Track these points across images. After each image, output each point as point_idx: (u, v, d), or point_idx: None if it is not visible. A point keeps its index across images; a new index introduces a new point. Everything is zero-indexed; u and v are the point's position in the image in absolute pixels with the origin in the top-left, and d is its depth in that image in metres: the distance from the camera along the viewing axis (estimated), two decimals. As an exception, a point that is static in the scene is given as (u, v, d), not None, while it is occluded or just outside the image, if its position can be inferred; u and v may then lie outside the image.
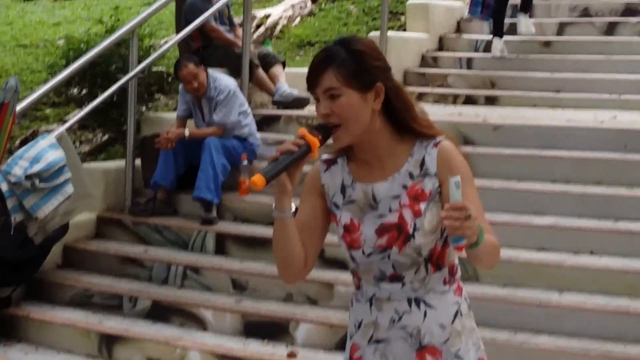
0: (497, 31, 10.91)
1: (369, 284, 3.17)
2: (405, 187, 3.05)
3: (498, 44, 10.82)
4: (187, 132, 8.56)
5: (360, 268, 3.16)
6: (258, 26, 11.48)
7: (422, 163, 3.04)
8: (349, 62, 2.95)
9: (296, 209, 3.04)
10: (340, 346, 6.71)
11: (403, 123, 3.08)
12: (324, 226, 3.18)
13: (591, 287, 6.81)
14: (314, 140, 2.85)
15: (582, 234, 7.24)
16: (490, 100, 9.83)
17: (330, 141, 3.01)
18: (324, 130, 2.93)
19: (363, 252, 3.09)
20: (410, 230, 3.00)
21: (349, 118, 2.95)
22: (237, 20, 10.06)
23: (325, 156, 3.20)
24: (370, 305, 3.17)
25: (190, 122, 8.73)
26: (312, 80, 3.02)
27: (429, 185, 3.02)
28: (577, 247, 7.17)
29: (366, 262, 3.12)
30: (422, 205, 3.00)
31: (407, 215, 3.01)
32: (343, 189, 3.13)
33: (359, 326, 3.21)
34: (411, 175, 3.05)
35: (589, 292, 6.77)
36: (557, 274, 6.91)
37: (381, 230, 3.05)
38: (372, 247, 3.06)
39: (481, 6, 11.11)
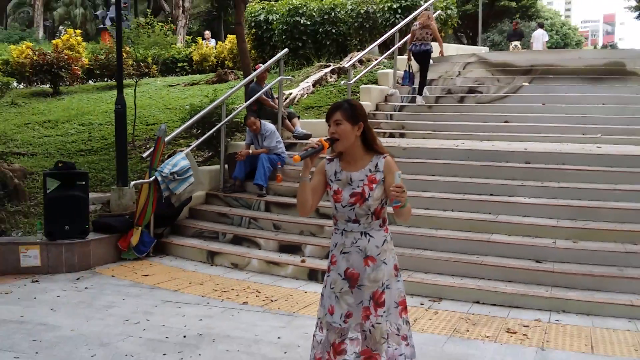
0: (420, 91, 11.10)
1: (341, 222, 3.31)
2: (367, 175, 3.27)
3: (420, 99, 11.00)
4: (251, 151, 8.58)
5: (338, 213, 3.30)
6: (286, 98, 11.47)
7: (376, 165, 3.27)
8: (349, 109, 3.25)
9: (311, 177, 3.26)
10: (327, 256, 6.76)
11: (370, 144, 3.31)
12: (323, 190, 3.34)
13: (453, 227, 6.83)
14: (325, 144, 3.17)
15: (448, 201, 7.23)
16: (402, 135, 9.81)
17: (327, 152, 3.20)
18: (331, 140, 3.21)
19: (342, 205, 3.26)
20: (367, 196, 3.23)
21: (344, 136, 3.24)
22: (275, 95, 10.09)
23: (328, 157, 3.39)
24: (341, 234, 3.32)
25: (252, 147, 8.74)
26: (330, 115, 3.28)
27: (378, 176, 3.25)
28: (444, 207, 7.17)
29: (342, 210, 3.27)
30: (374, 186, 3.23)
31: (366, 189, 3.23)
32: (335, 174, 3.31)
33: (335, 245, 3.35)
34: (370, 170, 3.27)
35: (451, 230, 6.80)
36: (435, 221, 6.92)
37: (352, 195, 3.25)
38: (346, 202, 3.25)
39: (408, 79, 11.49)
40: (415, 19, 11.81)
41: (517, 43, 20.45)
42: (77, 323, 5.27)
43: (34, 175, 9.24)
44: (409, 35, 11.52)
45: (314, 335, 3.40)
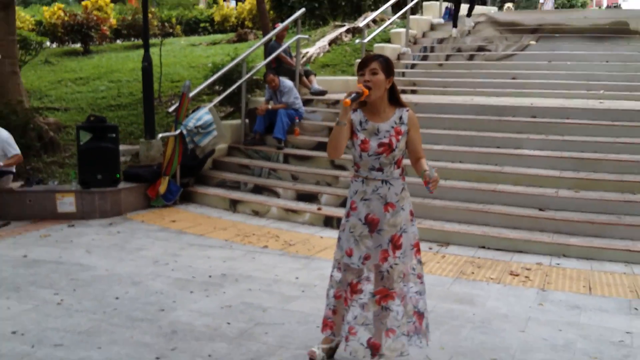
0: (454, 24, 11.72)
1: (364, 170, 3.30)
2: (392, 127, 3.25)
3: (454, 32, 11.59)
4: (270, 106, 8.53)
5: (362, 161, 3.28)
6: (303, 57, 11.32)
7: (401, 118, 3.26)
8: (384, 62, 3.23)
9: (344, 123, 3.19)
10: (341, 205, 6.77)
11: (395, 98, 3.29)
12: (348, 137, 3.26)
13: (460, 177, 6.82)
14: (365, 90, 3.13)
15: (456, 153, 7.20)
16: (413, 92, 9.64)
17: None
18: (368, 87, 3.15)
19: (368, 154, 3.25)
20: (394, 147, 3.22)
21: (377, 86, 3.18)
22: (293, 53, 9.96)
23: (352, 108, 3.27)
24: (362, 182, 3.31)
25: (271, 102, 8.67)
26: (366, 64, 3.23)
27: (403, 128, 3.25)
28: (453, 159, 7.15)
29: (367, 159, 3.26)
30: (399, 137, 3.23)
31: (393, 139, 3.22)
32: (360, 123, 3.27)
33: (355, 192, 3.32)
34: (395, 122, 3.25)
35: (459, 180, 6.79)
36: (444, 172, 6.78)
37: (379, 145, 3.23)
38: (373, 152, 3.23)
39: (447, 15, 12.33)
40: None
41: (510, 5, 20.38)
42: (111, 264, 5.36)
43: (68, 129, 9.27)
44: None
45: (331, 275, 3.45)
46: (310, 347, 3.57)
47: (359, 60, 3.34)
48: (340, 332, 3.45)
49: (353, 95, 3.11)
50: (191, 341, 3.82)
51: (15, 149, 6.93)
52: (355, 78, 3.34)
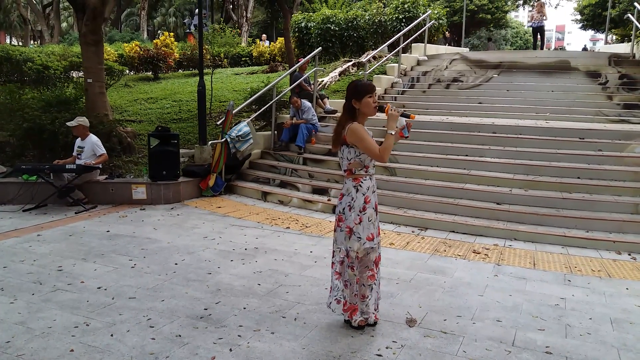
0: (541, 47, 14.56)
1: (372, 169, 3.18)
2: None
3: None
4: (293, 121, 8.50)
5: (372, 161, 3.16)
6: (319, 84, 11.30)
7: None
8: None
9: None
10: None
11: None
12: None
13: (437, 178, 6.72)
14: (413, 116, 3.18)
15: (434, 159, 7.14)
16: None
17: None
18: (382, 108, 3.13)
19: None
20: None
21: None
22: (312, 81, 9.95)
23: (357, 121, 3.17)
24: (370, 179, 3.18)
25: (294, 118, 8.66)
26: (374, 89, 3.10)
27: None
28: (431, 164, 7.07)
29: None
30: None
31: None
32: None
33: (368, 188, 3.16)
34: None
35: (436, 180, 6.70)
36: (424, 174, 6.83)
37: None
38: None
39: (536, 41, 14.91)
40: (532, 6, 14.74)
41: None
42: (171, 238, 5.42)
43: (141, 136, 9.33)
44: (529, 17, 14.20)
45: (352, 268, 3.17)
46: (320, 304, 3.59)
47: (362, 83, 3.18)
48: (365, 308, 3.29)
49: (407, 114, 3.11)
50: (231, 297, 3.87)
51: (102, 150, 6.99)
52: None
